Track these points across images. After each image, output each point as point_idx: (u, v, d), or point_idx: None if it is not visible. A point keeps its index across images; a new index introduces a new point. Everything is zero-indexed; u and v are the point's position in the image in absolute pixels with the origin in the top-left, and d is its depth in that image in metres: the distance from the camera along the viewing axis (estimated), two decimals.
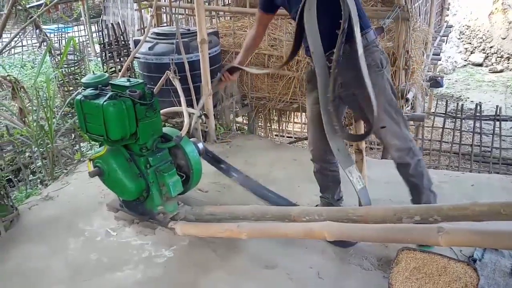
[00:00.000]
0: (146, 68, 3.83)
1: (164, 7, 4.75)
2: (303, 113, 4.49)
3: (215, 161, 3.12)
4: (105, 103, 2.12)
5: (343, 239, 2.08)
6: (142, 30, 4.61)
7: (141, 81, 2.35)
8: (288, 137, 5.17)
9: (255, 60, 4.18)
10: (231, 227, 2.17)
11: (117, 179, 2.35)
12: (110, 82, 2.32)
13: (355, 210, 2.00)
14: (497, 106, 4.91)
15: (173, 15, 4.06)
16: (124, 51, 4.00)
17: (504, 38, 12.97)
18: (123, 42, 4.02)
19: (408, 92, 3.68)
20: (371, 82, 1.91)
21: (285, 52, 3.97)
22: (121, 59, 3.99)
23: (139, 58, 3.79)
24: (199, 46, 3.50)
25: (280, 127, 4.77)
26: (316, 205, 2.60)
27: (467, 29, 13.22)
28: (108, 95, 2.15)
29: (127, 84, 2.25)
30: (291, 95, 4.06)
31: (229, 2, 5.12)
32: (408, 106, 3.82)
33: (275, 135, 4.98)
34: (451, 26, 8.23)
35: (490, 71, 12.14)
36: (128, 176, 2.35)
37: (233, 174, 3.08)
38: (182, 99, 2.87)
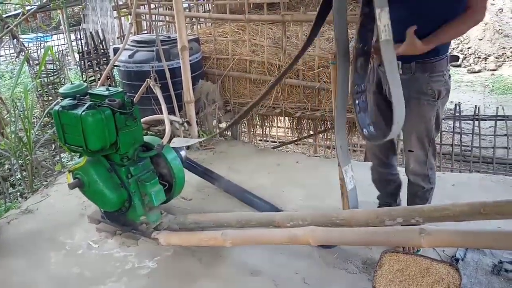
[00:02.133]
0: (126, 76, 3.80)
1: (143, 14, 4.73)
2: (286, 117, 4.49)
3: (198, 168, 3.11)
4: (83, 113, 2.09)
5: (327, 243, 2.09)
6: (122, 38, 4.57)
7: (121, 89, 2.32)
8: (272, 141, 5.17)
9: (236, 66, 4.18)
10: (215, 235, 2.15)
11: (97, 190, 2.31)
12: (89, 91, 2.29)
13: (339, 214, 2.01)
14: (476, 106, 5.00)
15: (153, 22, 4.03)
16: (104, 59, 3.95)
17: (480, 39, 13.26)
18: (102, 51, 3.97)
19: None
20: (418, 110, 1.94)
21: (267, 58, 3.98)
22: (101, 67, 3.94)
23: (119, 66, 3.75)
24: (179, 53, 3.48)
25: (264, 132, 4.77)
26: None
27: None
28: (86, 105, 2.12)
29: (106, 93, 2.22)
30: (273, 100, 4.06)
31: (210, 9, 5.12)
32: None
33: (259, 140, 4.98)
34: None
35: (468, 72, 12.36)
36: (109, 187, 2.31)
37: (217, 181, 3.07)
38: (163, 107, 2.86)
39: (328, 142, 4.62)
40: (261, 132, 4.72)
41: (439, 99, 1.99)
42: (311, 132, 4.41)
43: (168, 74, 3.41)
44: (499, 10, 13.53)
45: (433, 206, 1.90)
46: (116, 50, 3.85)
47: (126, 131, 2.26)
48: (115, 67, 3.81)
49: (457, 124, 4.84)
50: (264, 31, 4.17)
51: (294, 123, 4.38)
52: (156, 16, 4.57)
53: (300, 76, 3.91)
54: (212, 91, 3.85)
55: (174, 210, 2.68)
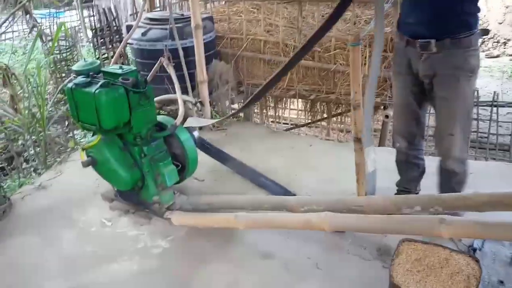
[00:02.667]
0: (139, 54, 3.75)
1: None
2: (300, 100, 4.43)
3: (211, 149, 3.08)
4: (97, 91, 2.06)
5: (342, 230, 2.06)
6: (135, 15, 4.50)
7: (134, 68, 2.28)
8: (284, 123, 5.11)
9: (250, 46, 4.10)
10: (228, 218, 2.13)
11: (111, 169, 2.30)
12: (102, 69, 2.25)
13: (355, 201, 1.97)
14: (494, 92, 4.86)
15: (167, 0, 3.95)
16: (116, 37, 3.89)
17: (500, 23, 12.87)
18: (115, 28, 3.91)
19: None
20: (457, 87, 1.91)
21: (282, 38, 3.90)
22: (113, 45, 3.89)
23: (132, 44, 3.71)
24: (193, 32, 3.41)
25: (276, 114, 4.71)
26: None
27: None
28: (100, 83, 2.08)
29: (120, 71, 2.19)
30: (287, 81, 3.99)
31: None
32: None
33: (271, 122, 4.93)
34: None
35: (487, 56, 12.04)
36: (122, 166, 2.30)
37: (229, 162, 3.05)
38: (177, 87, 2.80)
39: (342, 126, 4.54)
40: (274, 114, 4.67)
41: (474, 75, 1.96)
42: (325, 115, 4.35)
43: (181, 53, 3.35)
44: None
45: (454, 195, 1.86)
46: (129, 28, 3.78)
47: (140, 111, 2.23)
48: (128, 45, 3.76)
49: (474, 110, 4.73)
50: (279, 11, 4.07)
51: (308, 106, 4.31)
52: None
53: (316, 57, 3.82)
54: (226, 71, 3.79)
55: (187, 190, 2.67)
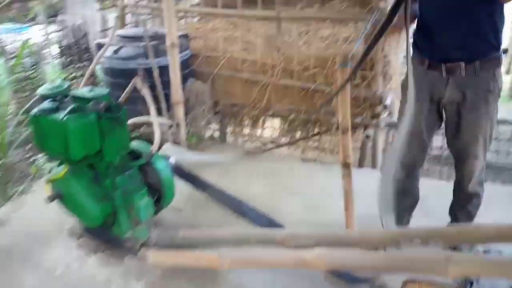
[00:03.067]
0: (110, 74, 3.54)
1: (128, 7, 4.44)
2: (277, 119, 4.30)
3: (189, 175, 2.89)
4: (65, 118, 1.85)
5: (339, 268, 1.90)
6: (105, 32, 4.29)
7: (106, 90, 2.09)
8: (263, 142, 4.95)
9: (227, 65, 3.95)
10: (211, 256, 1.93)
11: (79, 203, 2.08)
12: (71, 92, 2.05)
13: (349, 234, 1.82)
14: None
15: (139, 16, 3.78)
16: (86, 55, 3.67)
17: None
18: (84, 46, 3.69)
19: (386, 98, 3.57)
20: (486, 110, 1.85)
21: (260, 57, 3.77)
22: (82, 64, 3.66)
23: (102, 62, 3.49)
24: (168, 50, 3.24)
25: (254, 134, 4.55)
26: None
27: None
28: (69, 109, 1.88)
29: (91, 95, 1.99)
30: (266, 101, 3.86)
31: (198, 2, 4.85)
32: (386, 113, 3.70)
33: (249, 142, 4.76)
34: None
35: None
36: (92, 199, 2.08)
37: (208, 190, 2.86)
38: (152, 109, 2.63)
39: (322, 144, 4.43)
40: (251, 135, 4.51)
41: (500, 93, 1.92)
42: (304, 134, 4.23)
43: (156, 73, 3.17)
44: None
45: (456, 227, 1.74)
46: (99, 46, 3.59)
47: (113, 138, 2.03)
48: (98, 63, 3.55)
49: None
50: (257, 28, 3.96)
51: (286, 125, 4.18)
52: (142, 8, 4.29)
53: (295, 76, 3.72)
54: (202, 91, 3.63)
55: (164, 223, 2.46)
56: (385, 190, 1.83)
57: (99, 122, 1.96)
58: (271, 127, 4.73)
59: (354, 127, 3.86)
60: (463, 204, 2.13)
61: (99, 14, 4.90)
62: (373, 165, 3.68)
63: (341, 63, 2.06)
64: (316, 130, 4.13)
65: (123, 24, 4.44)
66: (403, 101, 2.15)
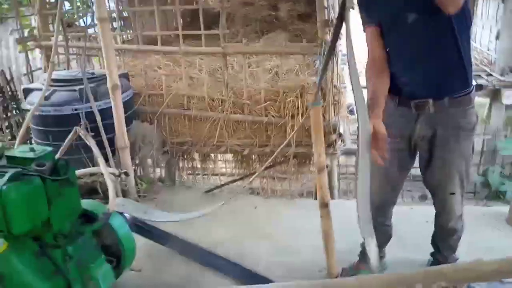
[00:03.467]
0: (42, 122, 3.15)
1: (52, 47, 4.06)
2: (230, 154, 4.14)
3: (145, 228, 2.62)
4: (4, 187, 1.54)
5: None
6: (29, 75, 3.87)
7: (50, 148, 1.80)
8: (220, 175, 4.72)
9: (173, 103, 3.74)
10: None
11: (23, 284, 1.73)
12: (6, 154, 1.73)
13: (344, 283, 1.69)
14: None
15: (80, 56, 3.46)
16: (12, 104, 3.26)
17: None
18: (10, 93, 3.28)
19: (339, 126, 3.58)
20: (458, 147, 1.81)
21: (207, 93, 3.62)
22: (8, 114, 3.24)
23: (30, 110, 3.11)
24: (110, 93, 2.97)
25: (206, 172, 4.33)
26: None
27: None
28: (7, 175, 1.57)
29: (31, 155, 1.70)
30: (217, 137, 3.68)
31: (131, 39, 4.60)
32: (339, 141, 3.70)
33: (201, 181, 4.52)
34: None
35: None
36: (39, 277, 1.75)
37: (169, 242, 2.60)
38: (101, 160, 2.35)
39: (279, 175, 4.32)
40: (203, 173, 4.28)
41: (474, 131, 1.88)
42: (259, 167, 4.09)
43: (98, 117, 2.87)
44: None
45: (454, 267, 1.68)
46: (27, 91, 3.22)
47: (61, 203, 1.74)
48: (26, 111, 3.17)
49: None
50: (196, 62, 3.82)
51: (240, 159, 4.02)
52: (67, 48, 3.93)
53: (246, 110, 3.60)
54: (149, 132, 3.38)
55: None
56: (364, 213, 1.75)
57: (44, 187, 1.67)
58: (224, 163, 4.56)
59: (308, 157, 3.82)
60: (443, 237, 2.11)
61: (18, 53, 4.48)
62: (331, 195, 3.60)
63: (313, 102, 1.98)
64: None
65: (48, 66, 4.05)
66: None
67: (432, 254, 2.23)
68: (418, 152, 2.00)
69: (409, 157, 1.99)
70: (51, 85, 3.20)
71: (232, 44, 3.60)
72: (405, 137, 1.94)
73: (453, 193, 1.93)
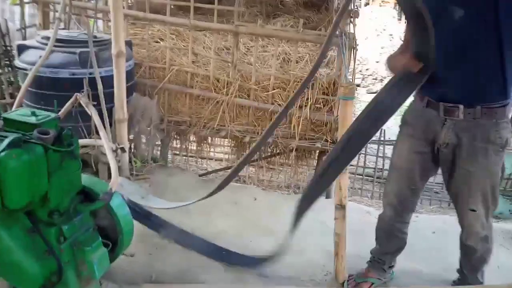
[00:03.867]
0: (36, 83, 2.89)
1: (52, 4, 3.77)
2: (227, 140, 3.96)
3: (140, 212, 2.43)
4: (2, 153, 1.33)
5: None
6: (23, 30, 3.58)
7: (53, 115, 1.60)
8: (216, 159, 4.56)
9: (175, 79, 3.53)
10: None
11: (12, 262, 1.55)
12: (4, 115, 1.52)
13: None
14: (383, 129, 4.95)
15: (81, 16, 3.20)
16: (5, 60, 2.97)
17: (377, 62, 14.28)
18: (4, 48, 2.99)
19: None
20: (486, 162, 1.70)
21: (213, 72, 3.42)
22: (1, 70, 2.96)
23: (25, 69, 2.85)
24: (113, 59, 2.74)
25: (202, 155, 4.16)
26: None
27: None
28: (6, 141, 1.36)
29: (34, 120, 1.50)
30: (218, 120, 3.50)
31: (130, 5, 4.32)
32: None
33: (196, 163, 4.34)
34: None
35: (367, 92, 13.19)
36: (29, 256, 1.56)
37: (165, 229, 2.43)
38: (102, 133, 2.14)
39: (271, 166, 4.19)
40: (198, 156, 4.11)
41: (505, 148, 1.74)
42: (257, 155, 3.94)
43: (100, 86, 2.65)
44: (390, 35, 14.74)
45: None
46: (21, 48, 2.95)
47: (62, 178, 1.55)
48: (19, 70, 2.91)
49: (381, 147, 4.91)
50: (202, 39, 3.61)
51: (240, 146, 3.85)
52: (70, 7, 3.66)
53: (252, 96, 3.43)
54: (150, 107, 3.17)
55: (115, 274, 2.00)
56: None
57: (46, 158, 1.47)
58: (221, 147, 4.39)
59: (309, 151, 3.69)
60: (463, 253, 2.01)
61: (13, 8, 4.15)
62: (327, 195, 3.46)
63: (344, 95, 1.83)
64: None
65: (45, 23, 3.77)
66: (399, 135, 1.99)
67: (457, 270, 2.13)
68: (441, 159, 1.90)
69: (431, 161, 1.90)
70: (46, 44, 2.94)
71: (247, 23, 3.39)
72: (429, 140, 1.84)
73: (474, 210, 1.82)
